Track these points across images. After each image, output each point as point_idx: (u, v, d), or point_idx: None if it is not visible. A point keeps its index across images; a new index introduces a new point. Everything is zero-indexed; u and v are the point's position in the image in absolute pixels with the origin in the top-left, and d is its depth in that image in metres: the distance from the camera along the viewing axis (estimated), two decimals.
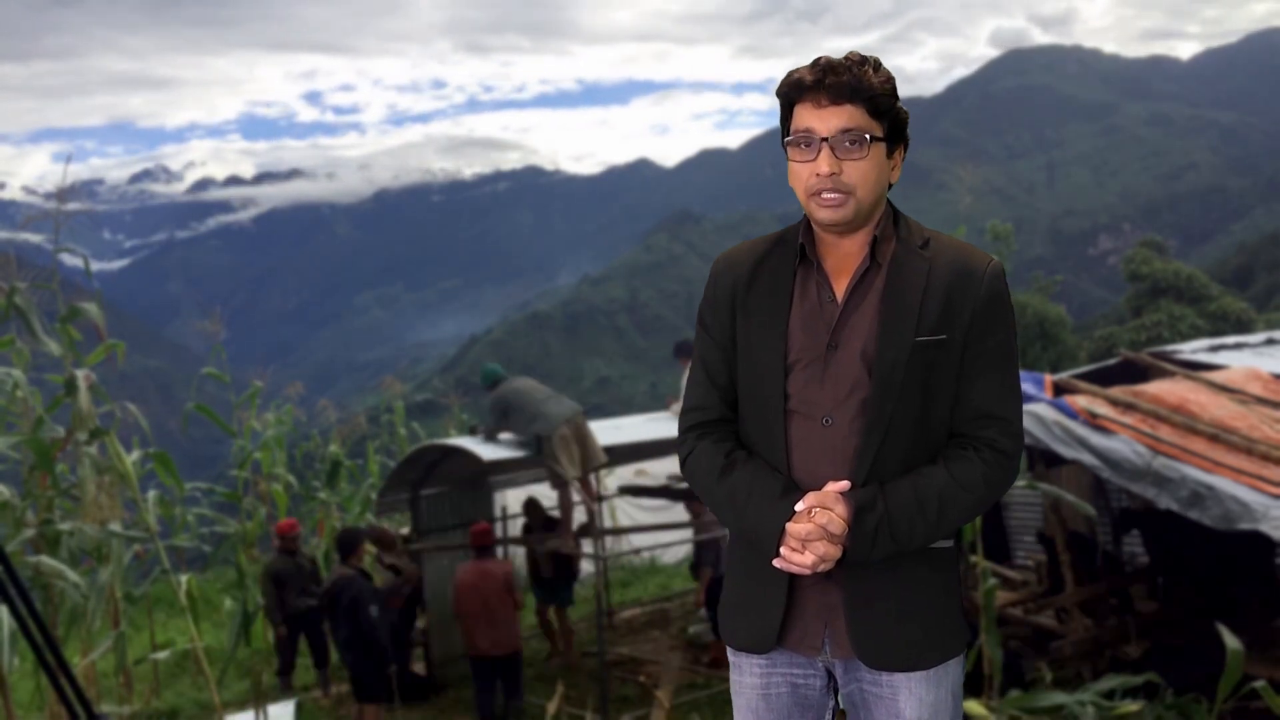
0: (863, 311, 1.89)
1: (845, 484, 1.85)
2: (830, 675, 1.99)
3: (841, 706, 2.02)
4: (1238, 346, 9.31)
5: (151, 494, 7.86)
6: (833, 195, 1.84)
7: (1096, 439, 6.53)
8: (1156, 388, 7.26)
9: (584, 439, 7.92)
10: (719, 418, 2.01)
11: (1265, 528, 5.65)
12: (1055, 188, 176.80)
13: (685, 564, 12.12)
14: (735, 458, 1.95)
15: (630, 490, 10.01)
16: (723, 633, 2.04)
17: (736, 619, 2.01)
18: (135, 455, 7.63)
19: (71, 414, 6.85)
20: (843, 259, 1.93)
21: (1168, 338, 23.23)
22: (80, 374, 6.85)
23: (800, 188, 1.88)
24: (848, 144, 1.83)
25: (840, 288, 1.92)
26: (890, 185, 1.93)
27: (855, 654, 1.90)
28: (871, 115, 1.83)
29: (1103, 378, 8.30)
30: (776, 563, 1.86)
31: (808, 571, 1.84)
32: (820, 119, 1.83)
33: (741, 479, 1.92)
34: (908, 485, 1.85)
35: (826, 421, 1.88)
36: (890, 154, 1.89)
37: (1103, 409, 6.76)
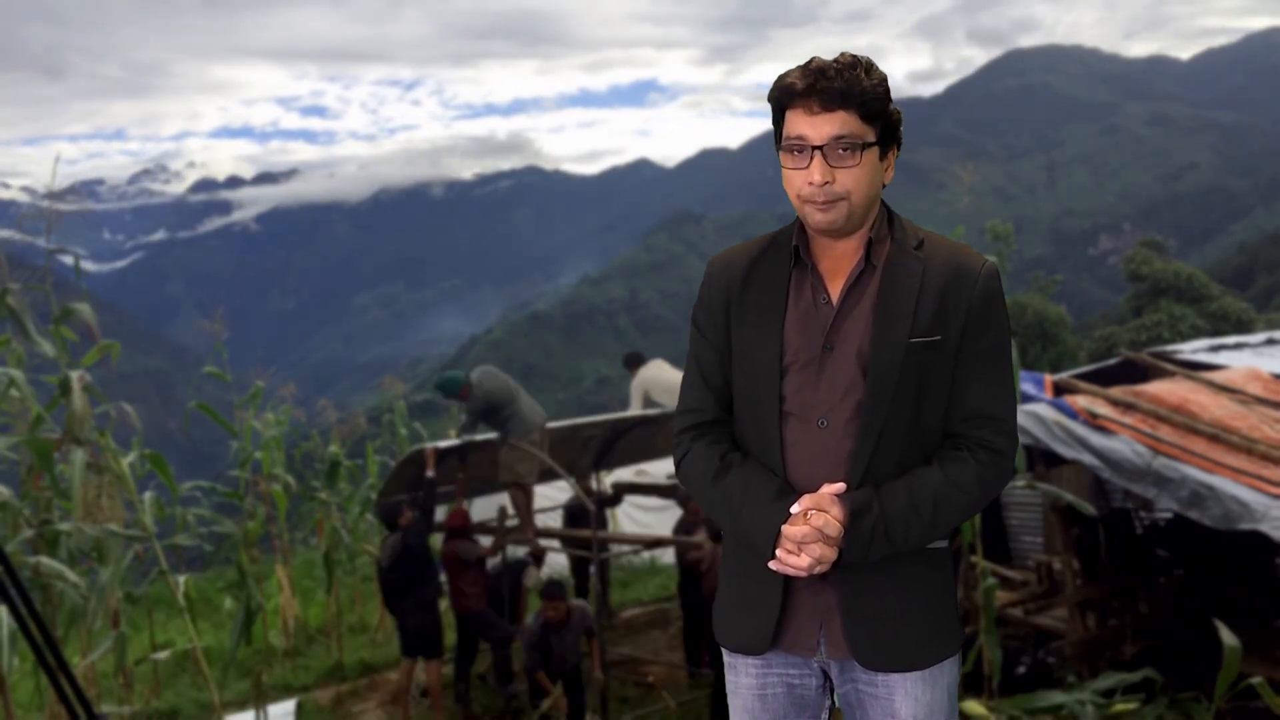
0: (857, 313, 1.89)
1: (841, 486, 1.84)
2: (826, 675, 1.99)
3: (837, 706, 2.02)
4: (1238, 346, 9.32)
5: (148, 494, 7.85)
6: (826, 203, 1.84)
7: (1096, 439, 6.53)
8: (1157, 388, 7.26)
9: (544, 450, 8.16)
10: (714, 419, 2.01)
11: (1265, 528, 5.65)
12: (1055, 188, 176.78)
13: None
14: (730, 460, 1.95)
15: (626, 488, 10.01)
16: (718, 633, 2.04)
17: (732, 620, 2.01)
18: (132, 456, 7.62)
19: (66, 415, 6.84)
20: (837, 260, 1.93)
21: (1168, 338, 23.21)
22: (74, 375, 6.84)
23: (794, 194, 1.88)
24: (840, 151, 1.81)
25: (835, 289, 1.92)
26: (884, 185, 1.93)
27: (851, 654, 1.90)
28: (864, 119, 1.82)
29: (1103, 378, 8.30)
30: (772, 565, 1.86)
31: (804, 574, 1.84)
32: (812, 126, 1.82)
33: (737, 481, 1.92)
34: (902, 487, 1.85)
35: (821, 423, 1.88)
36: (883, 156, 1.89)
37: (1103, 409, 6.75)
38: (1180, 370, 7.92)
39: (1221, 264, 64.56)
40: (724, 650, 2.04)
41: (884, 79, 1.85)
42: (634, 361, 9.82)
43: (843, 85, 1.80)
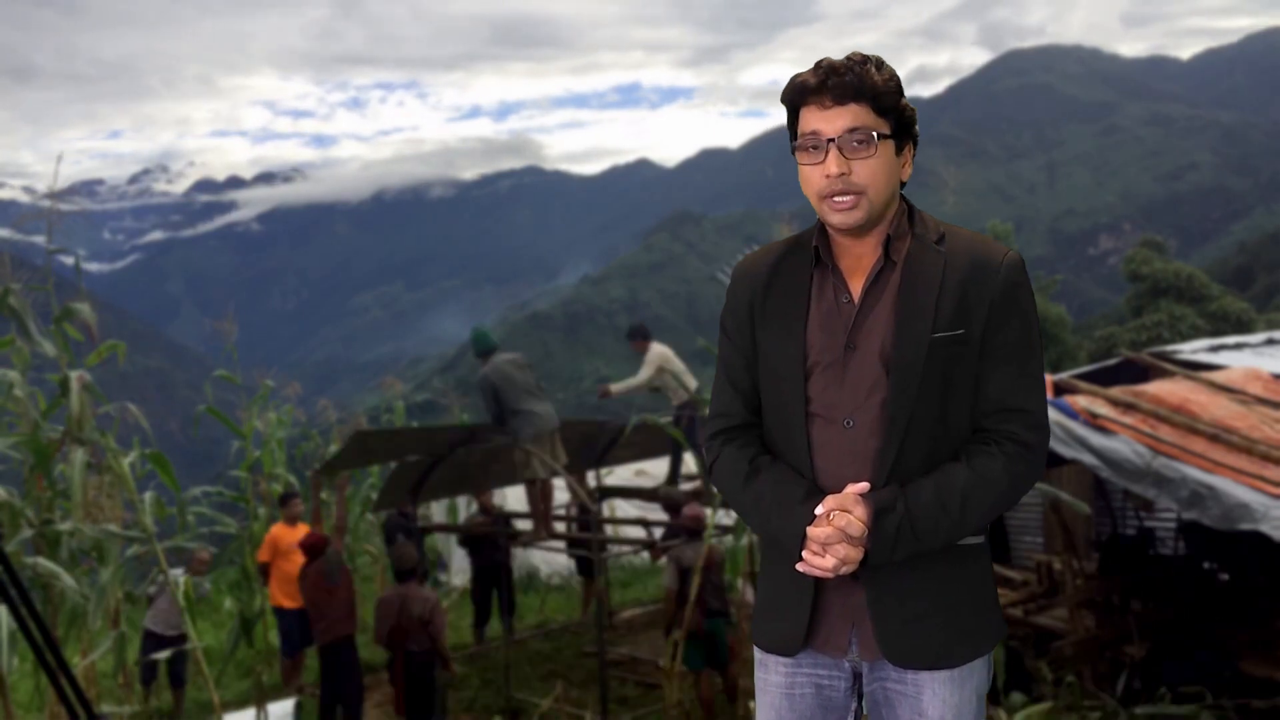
0: (879, 311, 1.89)
1: (864, 485, 1.84)
2: (856, 677, 1.98)
3: (865, 711, 2.02)
4: (1238, 346, 9.32)
5: (149, 495, 7.84)
6: (844, 199, 1.85)
7: (1097, 439, 6.52)
8: (1157, 388, 7.25)
9: (555, 452, 8.21)
10: (743, 423, 2.02)
11: (1265, 528, 5.64)
12: (1055, 188, 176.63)
13: None
14: (759, 463, 1.96)
15: (614, 491, 10.06)
16: (753, 634, 2.05)
17: (767, 621, 2.02)
18: (133, 456, 7.62)
19: (66, 415, 6.83)
20: (857, 259, 1.94)
21: (1168, 338, 23.25)
22: (73, 375, 6.83)
23: (811, 192, 1.89)
24: (855, 143, 1.83)
25: (856, 288, 1.92)
26: (903, 183, 1.93)
27: (881, 652, 1.90)
28: (877, 113, 1.83)
29: (1103, 378, 8.29)
30: (799, 567, 1.86)
31: (830, 575, 1.84)
32: (826, 120, 1.84)
33: (765, 485, 1.92)
34: (929, 484, 1.84)
35: (848, 424, 1.88)
36: (899, 151, 1.89)
37: (1103, 409, 6.75)
38: (1180, 370, 7.91)
39: (1221, 264, 64.59)
40: (755, 648, 2.05)
41: (895, 75, 1.87)
42: (642, 335, 9.26)
43: (854, 80, 1.82)
